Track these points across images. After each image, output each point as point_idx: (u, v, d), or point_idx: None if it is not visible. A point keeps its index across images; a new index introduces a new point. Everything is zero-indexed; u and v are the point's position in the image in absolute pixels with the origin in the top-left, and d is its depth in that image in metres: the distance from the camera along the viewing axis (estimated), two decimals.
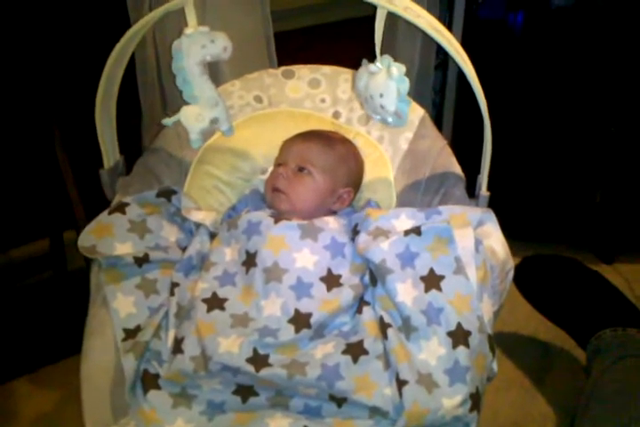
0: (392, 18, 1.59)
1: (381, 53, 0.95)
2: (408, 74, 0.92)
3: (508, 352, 1.32)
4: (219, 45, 0.84)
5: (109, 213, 0.91)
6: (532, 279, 1.22)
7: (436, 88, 1.75)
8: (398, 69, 0.79)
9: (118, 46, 0.88)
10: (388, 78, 0.77)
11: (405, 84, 0.79)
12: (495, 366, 0.83)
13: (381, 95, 0.79)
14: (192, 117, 0.86)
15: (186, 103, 0.95)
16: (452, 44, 0.83)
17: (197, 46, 0.86)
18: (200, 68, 0.84)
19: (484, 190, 0.93)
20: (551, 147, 1.55)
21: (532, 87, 1.52)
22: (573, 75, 1.49)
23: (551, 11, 1.55)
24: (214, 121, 0.87)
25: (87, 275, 0.92)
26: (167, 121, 0.86)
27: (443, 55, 1.70)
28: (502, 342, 1.36)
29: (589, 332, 1.08)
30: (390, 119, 0.81)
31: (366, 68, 0.82)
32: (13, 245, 1.54)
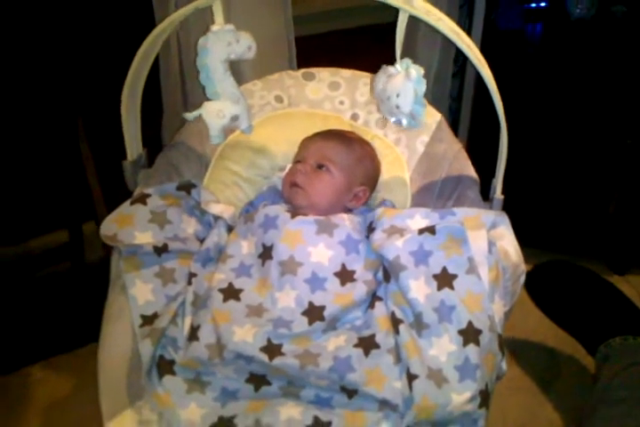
0: (412, 25, 1.62)
1: (401, 57, 0.97)
2: (426, 79, 0.94)
3: (517, 358, 1.32)
4: (243, 44, 0.86)
5: (131, 204, 0.94)
6: (544, 286, 1.23)
7: (454, 95, 1.77)
8: (417, 71, 0.81)
9: (146, 43, 0.90)
10: (406, 79, 0.79)
11: (422, 86, 0.81)
12: (504, 365, 0.84)
13: (398, 95, 0.81)
14: (213, 113, 0.88)
15: (208, 99, 0.97)
16: (471, 49, 0.85)
17: (223, 44, 0.88)
18: (224, 66, 0.87)
19: (498, 193, 0.95)
20: (566, 157, 1.56)
21: (549, 97, 1.54)
22: (591, 86, 1.50)
23: (570, 22, 1.57)
24: (235, 118, 0.89)
25: (104, 266, 0.94)
26: (189, 115, 0.89)
27: (460, 63, 1.72)
28: (512, 347, 1.37)
29: (599, 339, 1.09)
30: (405, 121, 0.83)
31: (385, 71, 0.84)
32: (32, 235, 1.57)
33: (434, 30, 1.43)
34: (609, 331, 1.08)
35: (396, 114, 0.82)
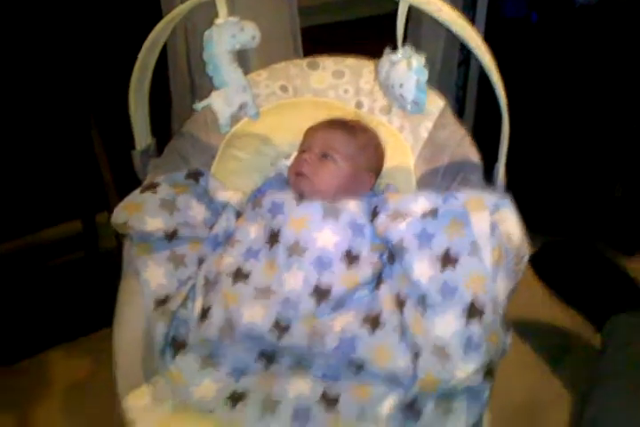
0: (417, 16, 1.62)
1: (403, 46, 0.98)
2: (431, 70, 0.96)
3: (525, 337, 1.35)
4: (247, 34, 0.88)
5: (141, 192, 0.96)
6: (551, 264, 1.25)
7: (459, 83, 1.79)
8: (418, 61, 0.82)
9: (152, 34, 0.92)
10: (407, 69, 0.81)
11: (424, 75, 0.82)
12: (508, 343, 0.86)
13: (401, 85, 0.83)
14: (222, 102, 0.90)
15: (216, 89, 0.99)
16: (472, 38, 0.86)
17: (227, 35, 0.90)
18: (230, 56, 0.89)
19: (501, 177, 0.96)
20: (572, 141, 1.57)
21: (555, 83, 1.55)
22: (596, 72, 1.50)
23: (574, 9, 1.57)
24: (243, 106, 0.91)
25: (117, 255, 0.97)
26: (198, 105, 0.91)
27: (466, 51, 1.73)
28: (521, 327, 1.39)
29: (605, 316, 1.10)
30: (409, 107, 0.84)
31: (388, 57, 0.86)
32: (47, 225, 1.61)
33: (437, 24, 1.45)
34: (615, 307, 1.10)
35: (400, 101, 0.83)
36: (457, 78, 1.78)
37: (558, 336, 1.36)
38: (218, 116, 0.90)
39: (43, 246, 1.60)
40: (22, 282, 1.56)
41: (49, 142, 1.49)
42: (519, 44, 1.58)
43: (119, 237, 1.00)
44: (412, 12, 0.95)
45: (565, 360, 1.29)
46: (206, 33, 0.96)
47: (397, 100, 0.84)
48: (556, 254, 1.26)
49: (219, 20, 0.97)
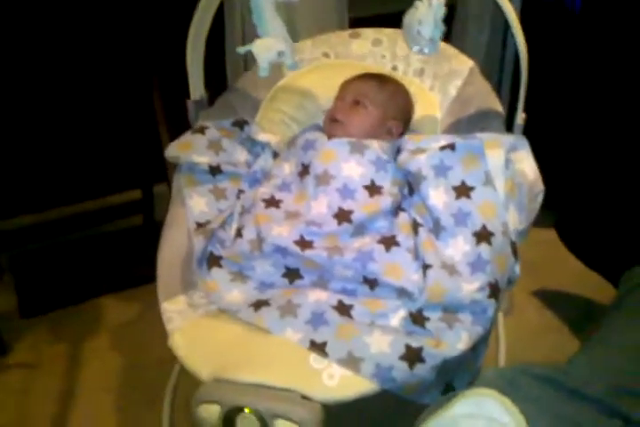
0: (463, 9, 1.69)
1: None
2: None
3: (549, 304, 1.37)
4: None
5: (192, 133, 1.08)
6: (574, 227, 1.28)
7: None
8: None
9: None
10: (428, 7, 0.90)
11: (441, 11, 0.90)
12: (518, 269, 0.91)
13: (420, 22, 0.91)
14: (262, 48, 1.00)
15: (259, 37, 1.09)
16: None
17: None
18: (272, 6, 0.99)
19: (519, 120, 1.02)
20: (608, 131, 1.58)
21: (591, 68, 1.57)
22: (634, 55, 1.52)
23: None
24: (281, 54, 1.01)
25: None
26: (240, 49, 1.02)
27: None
28: (546, 295, 1.41)
29: (623, 270, 1.11)
30: (426, 49, 0.93)
31: (415, 5, 0.95)
32: (111, 192, 1.78)
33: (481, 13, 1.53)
34: (632, 261, 1.11)
35: (418, 41, 0.92)
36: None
37: (581, 304, 1.38)
38: (257, 61, 1.00)
39: (109, 210, 1.76)
40: (87, 241, 1.72)
41: (117, 121, 1.66)
42: (554, 26, 1.61)
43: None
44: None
45: (587, 326, 1.31)
46: None
47: (416, 42, 0.93)
48: (579, 218, 1.29)
49: None
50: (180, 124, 1.15)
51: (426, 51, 0.93)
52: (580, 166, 1.62)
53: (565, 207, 1.33)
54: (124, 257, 1.66)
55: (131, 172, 1.74)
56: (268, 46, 1.00)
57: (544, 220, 1.08)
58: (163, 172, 1.66)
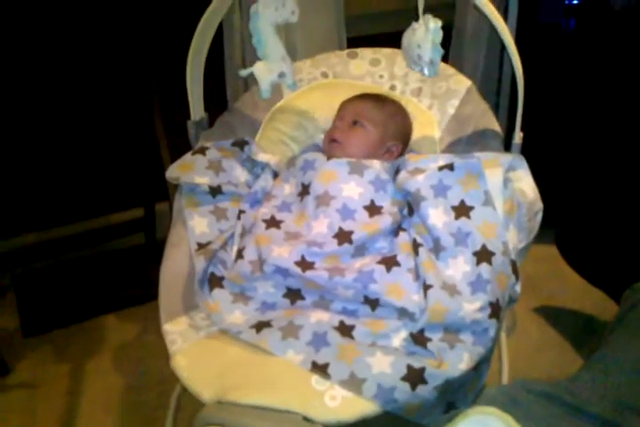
0: (460, 28, 1.71)
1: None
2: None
3: (551, 321, 1.37)
4: (288, 9, 1.00)
5: (192, 154, 1.09)
6: (574, 242, 1.28)
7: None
8: (435, 23, 0.92)
9: (208, 11, 1.04)
10: (425, 31, 0.91)
11: (439, 35, 0.92)
12: (519, 288, 0.91)
13: (419, 46, 0.92)
14: (264, 71, 1.02)
15: (259, 60, 1.11)
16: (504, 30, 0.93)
17: (271, 9, 1.02)
18: (272, 29, 1.01)
19: (516, 139, 1.03)
20: (605, 151, 1.59)
21: (587, 87, 1.59)
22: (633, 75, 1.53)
23: (614, 12, 1.63)
24: (282, 75, 1.03)
25: None
26: (243, 72, 1.03)
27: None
28: (547, 312, 1.41)
29: (624, 286, 1.12)
30: (426, 70, 0.94)
31: (412, 27, 0.96)
32: (113, 211, 1.79)
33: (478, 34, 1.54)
34: (634, 277, 1.11)
35: (418, 63, 0.93)
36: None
37: (583, 320, 1.38)
38: (259, 83, 1.01)
39: (110, 228, 1.77)
40: (89, 259, 1.73)
41: (119, 139, 1.68)
42: (550, 49, 1.64)
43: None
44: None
45: (589, 342, 1.31)
46: (252, 7, 1.07)
47: (416, 64, 0.94)
48: (579, 233, 1.29)
49: None
50: (181, 143, 1.17)
51: (426, 72, 0.94)
52: (579, 183, 1.63)
53: (566, 223, 1.34)
54: (127, 276, 1.67)
55: (133, 190, 1.76)
56: (269, 68, 1.02)
57: (544, 236, 1.09)
58: (164, 190, 1.68)
